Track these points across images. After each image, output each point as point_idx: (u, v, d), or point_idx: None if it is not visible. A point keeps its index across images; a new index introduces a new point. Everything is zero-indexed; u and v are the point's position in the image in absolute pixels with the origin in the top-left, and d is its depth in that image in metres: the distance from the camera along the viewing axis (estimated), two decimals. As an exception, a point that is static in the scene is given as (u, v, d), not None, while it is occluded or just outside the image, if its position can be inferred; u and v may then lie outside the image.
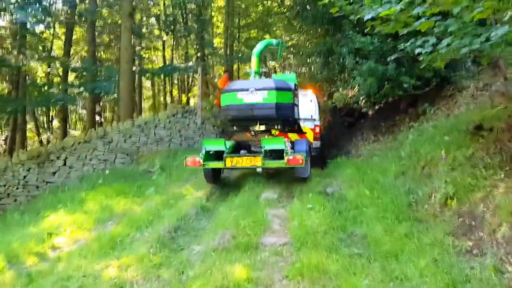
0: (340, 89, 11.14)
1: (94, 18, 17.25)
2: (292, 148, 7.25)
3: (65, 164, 11.50)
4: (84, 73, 15.74)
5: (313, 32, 11.99)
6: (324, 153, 11.07)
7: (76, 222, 6.14)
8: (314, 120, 10.21)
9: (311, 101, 10.34)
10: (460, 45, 4.99)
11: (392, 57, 5.82)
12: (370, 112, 13.21)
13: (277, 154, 6.98)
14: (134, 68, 19.29)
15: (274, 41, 9.83)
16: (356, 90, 12.02)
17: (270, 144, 6.97)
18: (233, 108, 7.40)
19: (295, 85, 7.94)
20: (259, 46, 8.77)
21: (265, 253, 4.54)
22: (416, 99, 10.50)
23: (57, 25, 22.59)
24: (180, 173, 9.30)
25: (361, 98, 9.48)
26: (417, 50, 5.24)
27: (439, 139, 7.11)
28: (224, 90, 7.84)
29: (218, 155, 7.20)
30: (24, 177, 10.97)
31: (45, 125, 28.53)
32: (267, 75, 9.29)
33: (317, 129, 9.99)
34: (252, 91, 7.18)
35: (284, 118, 7.67)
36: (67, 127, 24.31)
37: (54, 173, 11.40)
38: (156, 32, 22.01)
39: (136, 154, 12.15)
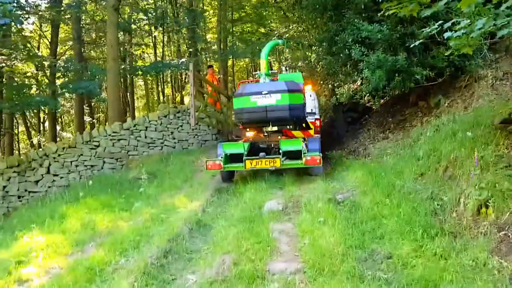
0: (343, 84, 10.37)
1: (79, 13, 16.33)
2: (306, 146, 7.48)
3: (48, 172, 10.65)
4: (67, 73, 14.75)
5: (312, 21, 11.14)
6: (324, 148, 10.45)
7: (51, 244, 5.30)
8: (314, 114, 9.86)
9: (310, 95, 9.99)
10: (495, 27, 4.20)
11: (417, 43, 4.95)
12: (375, 107, 12.40)
13: (294, 154, 7.31)
14: (123, 66, 18.43)
15: (280, 41, 10.13)
16: (359, 84, 11.21)
17: (288, 146, 7.35)
18: (247, 111, 7.62)
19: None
20: (267, 48, 8.79)
21: (274, 284, 3.73)
22: (427, 91, 9.69)
23: (44, 24, 21.80)
24: (173, 179, 8.48)
25: (367, 92, 8.67)
26: (446, 35, 4.43)
27: (461, 135, 6.31)
28: (236, 94, 7.99)
29: (236, 157, 7.50)
30: (4, 187, 10.11)
31: (38, 128, 27.67)
32: (274, 74, 9.19)
33: (318, 123, 9.74)
34: (266, 95, 7.43)
35: (296, 119, 7.99)
36: (57, 129, 23.30)
37: (37, 182, 10.55)
38: (146, 27, 20.97)
39: (126, 159, 11.31)
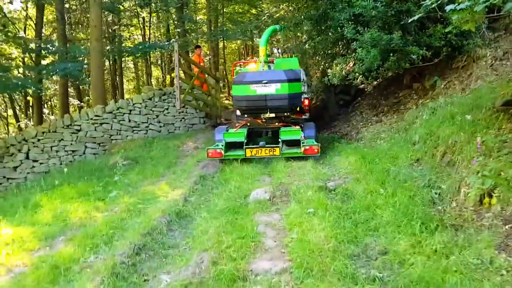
0: (335, 64, 9.93)
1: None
2: (302, 131, 7.69)
3: (27, 157, 10.16)
4: (46, 54, 14.07)
5: (303, -1, 10.62)
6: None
7: (18, 238, 4.86)
8: (304, 93, 9.44)
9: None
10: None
11: (416, 17, 4.49)
12: (368, 89, 11.97)
13: (293, 142, 7.60)
14: (108, 47, 17.80)
15: (277, 26, 10.17)
16: (351, 64, 10.74)
17: (288, 135, 7.60)
18: (247, 99, 7.77)
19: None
20: (265, 35, 8.77)
21: (256, 287, 3.33)
22: (421, 72, 9.27)
23: (30, 6, 20.98)
24: (156, 166, 8.04)
25: (360, 73, 8.23)
26: (449, 7, 3.98)
27: (460, 118, 5.92)
28: (237, 82, 8.02)
29: (236, 144, 7.72)
30: (-20, 174, 9.64)
31: (25, 111, 26.94)
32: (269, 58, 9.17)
33: (306, 102, 9.45)
34: (265, 84, 7.57)
35: (294, 107, 8.24)
36: (43, 112, 22.61)
37: (15, 168, 10.06)
38: (128, 5, 20.19)
39: (109, 144, 10.83)
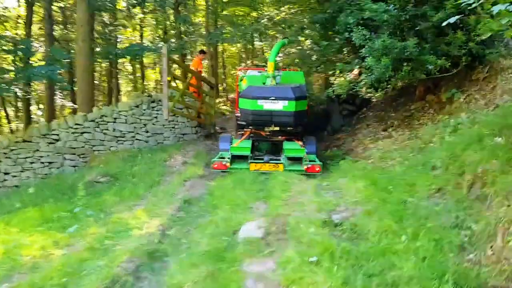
0: (339, 73, 9.08)
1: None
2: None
3: (-2, 169, 9.21)
4: (24, 56, 13.08)
5: (307, 1, 9.69)
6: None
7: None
8: None
9: None
10: None
11: (452, 20, 3.55)
12: (374, 99, 11.06)
13: (295, 159, 7.79)
14: (98, 49, 16.90)
15: (285, 40, 10.30)
16: (356, 73, 9.84)
17: (292, 153, 7.81)
18: (253, 113, 7.89)
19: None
20: (274, 50, 8.83)
21: None
22: (437, 84, 8.38)
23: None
24: (136, 185, 7.12)
25: (369, 84, 7.35)
26: (496, 7, 3.08)
27: (490, 141, 5.00)
28: (244, 95, 8.08)
29: (240, 156, 7.85)
30: None
31: (16, 113, 26.03)
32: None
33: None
34: (273, 100, 7.74)
35: (299, 123, 8.33)
36: (31, 115, 21.61)
37: (-15, 182, 9.11)
38: (119, 5, 19.25)
39: (90, 155, 9.89)
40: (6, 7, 20.18)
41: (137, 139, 10.40)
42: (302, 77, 8.91)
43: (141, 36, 25.23)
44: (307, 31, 9.96)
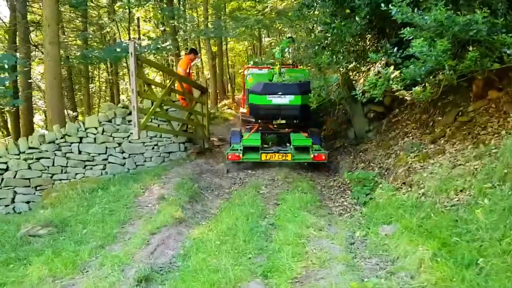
0: (367, 65, 6.83)
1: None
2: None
3: None
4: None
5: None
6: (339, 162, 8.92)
7: None
8: None
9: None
10: None
11: None
12: (409, 97, 8.66)
13: (302, 149, 8.19)
14: (79, 53, 14.82)
15: (291, 39, 10.39)
16: (394, 64, 7.49)
17: (299, 143, 8.20)
18: (263, 107, 8.53)
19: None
20: (281, 49, 9.13)
21: None
22: (503, 77, 6.01)
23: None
24: (84, 242, 4.91)
25: (417, 78, 5.07)
26: None
27: None
28: (254, 91, 8.58)
29: (251, 148, 8.19)
30: None
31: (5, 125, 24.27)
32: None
33: None
34: (281, 95, 8.38)
35: (305, 116, 8.82)
36: (19, 127, 19.69)
37: None
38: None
39: (50, 186, 7.75)
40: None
41: (110, 163, 8.23)
42: (307, 75, 9.25)
43: (139, 33, 23.14)
44: (316, 12, 7.62)
